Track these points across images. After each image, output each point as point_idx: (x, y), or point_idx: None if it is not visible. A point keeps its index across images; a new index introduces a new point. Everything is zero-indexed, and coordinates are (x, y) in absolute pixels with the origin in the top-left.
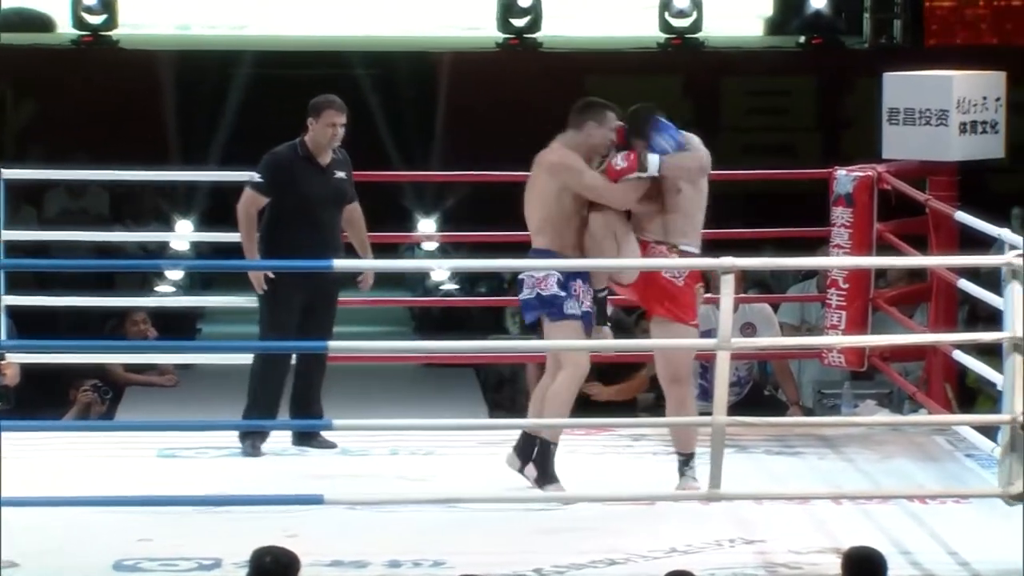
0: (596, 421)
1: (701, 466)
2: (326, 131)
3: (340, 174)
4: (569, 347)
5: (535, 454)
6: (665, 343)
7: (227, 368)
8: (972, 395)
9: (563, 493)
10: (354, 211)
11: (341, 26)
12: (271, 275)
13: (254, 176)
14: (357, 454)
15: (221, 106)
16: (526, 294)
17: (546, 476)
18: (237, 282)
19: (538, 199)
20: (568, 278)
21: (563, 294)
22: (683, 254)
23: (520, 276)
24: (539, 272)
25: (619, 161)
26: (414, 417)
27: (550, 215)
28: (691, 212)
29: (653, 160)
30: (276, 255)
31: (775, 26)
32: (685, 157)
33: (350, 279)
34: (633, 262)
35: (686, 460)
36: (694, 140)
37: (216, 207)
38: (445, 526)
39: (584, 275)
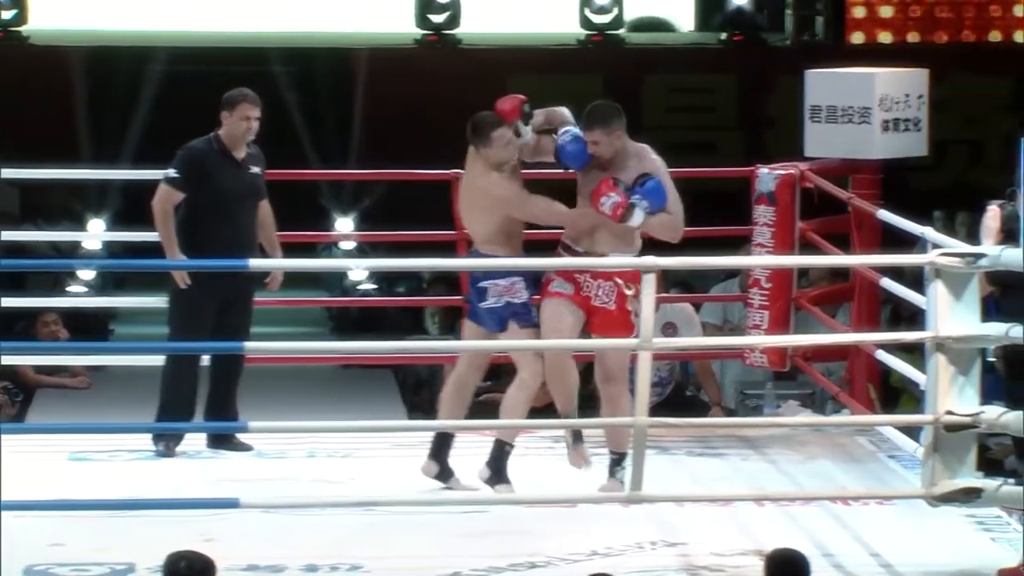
0: (525, 423)
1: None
2: (240, 124)
3: (255, 169)
4: (476, 347)
5: (490, 456)
6: (590, 343)
7: (140, 370)
8: (896, 395)
9: (481, 495)
10: (264, 208)
11: (258, 22)
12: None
13: (169, 171)
14: (273, 457)
15: (134, 103)
16: (492, 303)
17: (499, 476)
18: (150, 282)
19: (481, 216)
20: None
21: (528, 301)
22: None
23: (480, 284)
24: (501, 280)
25: (606, 206)
26: (331, 419)
27: (498, 229)
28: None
29: (638, 217)
30: (193, 252)
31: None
32: (665, 221)
33: (263, 278)
34: (552, 262)
35: (618, 460)
36: (648, 153)
37: (129, 206)
38: (363, 530)
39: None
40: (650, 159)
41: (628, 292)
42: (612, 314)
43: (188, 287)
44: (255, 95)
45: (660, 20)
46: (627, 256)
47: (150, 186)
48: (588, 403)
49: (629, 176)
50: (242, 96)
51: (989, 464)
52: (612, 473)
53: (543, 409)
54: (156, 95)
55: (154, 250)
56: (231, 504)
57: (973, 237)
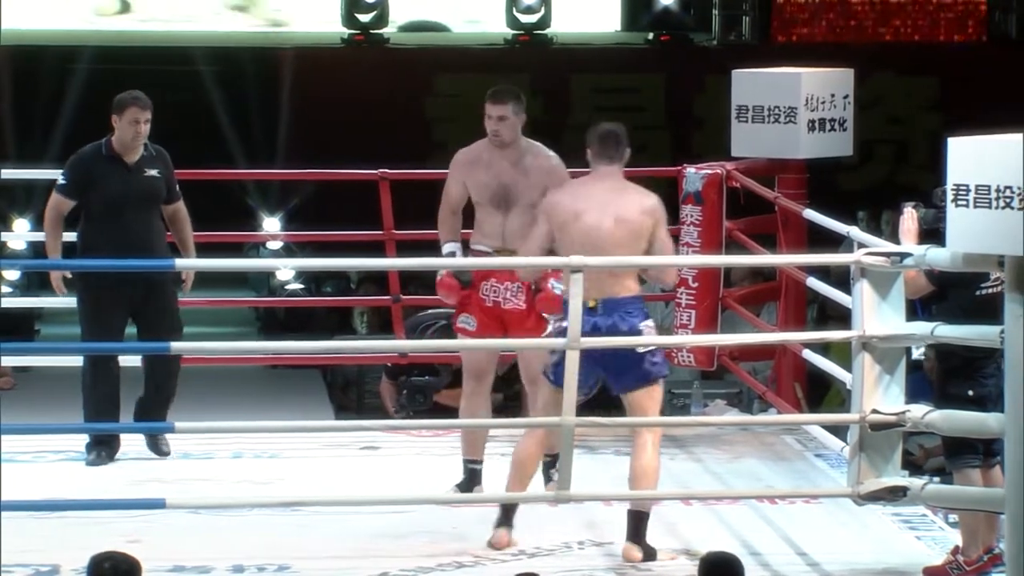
0: (446, 422)
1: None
2: (128, 129)
3: (151, 172)
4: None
5: (630, 528)
6: (519, 343)
7: (65, 370)
8: (825, 389)
9: (410, 496)
10: (177, 210)
11: (184, 21)
12: (68, 275)
13: (58, 179)
14: (200, 457)
15: (59, 103)
16: (651, 350)
17: (647, 546)
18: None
19: (635, 245)
20: None
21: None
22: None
23: (635, 323)
24: (648, 319)
25: (559, 285)
26: (258, 419)
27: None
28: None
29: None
30: (84, 256)
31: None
32: None
33: (177, 279)
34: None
35: (552, 462)
36: (543, 149)
37: None
38: (291, 530)
39: None
40: (545, 155)
41: (554, 286)
42: (524, 312)
43: (96, 291)
44: (146, 98)
45: (433, 23)
46: None
47: None
48: (504, 405)
49: (530, 175)
50: (132, 99)
51: (909, 468)
52: (548, 477)
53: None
54: (81, 94)
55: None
56: (157, 505)
57: (896, 237)
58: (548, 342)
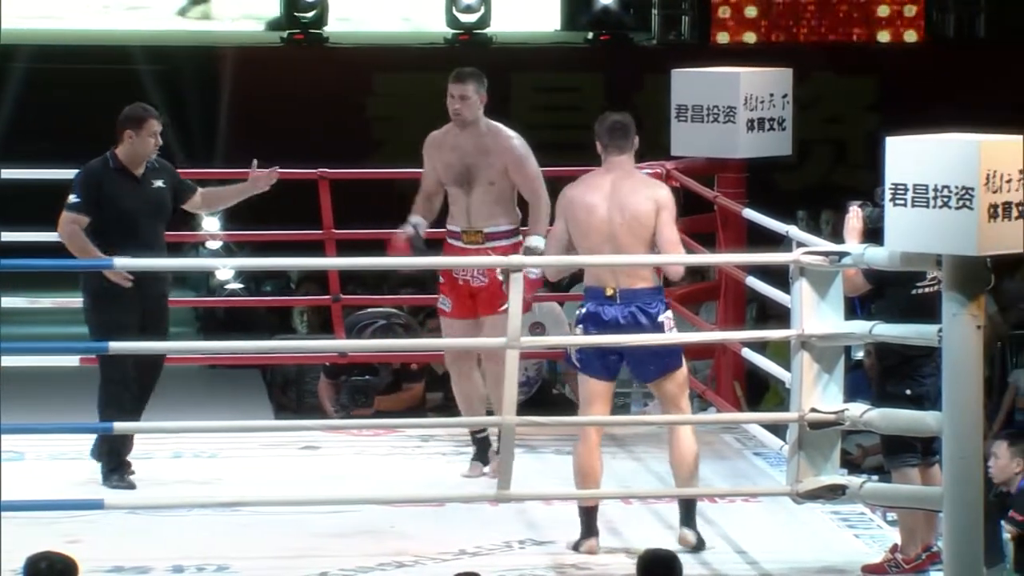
0: (386, 421)
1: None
2: (149, 142)
3: (157, 183)
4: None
5: (684, 515)
6: (465, 342)
7: (15, 371)
8: (764, 388)
9: (349, 495)
10: (203, 195)
11: (122, 20)
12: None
13: (70, 197)
14: (139, 458)
15: None
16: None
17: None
18: (29, 283)
19: (646, 236)
20: None
21: None
22: (489, 236)
23: (662, 319)
24: (668, 310)
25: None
26: (198, 419)
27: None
28: (503, 199)
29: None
30: (102, 275)
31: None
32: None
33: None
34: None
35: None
36: (504, 130)
37: None
38: (230, 530)
39: None
40: (505, 135)
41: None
42: (488, 289)
43: (110, 298)
44: (155, 109)
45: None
46: (506, 227)
47: (13, 185)
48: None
49: (491, 154)
50: (147, 112)
51: (848, 467)
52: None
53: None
54: (19, 93)
55: (28, 250)
56: (95, 506)
57: (838, 236)
58: (495, 342)
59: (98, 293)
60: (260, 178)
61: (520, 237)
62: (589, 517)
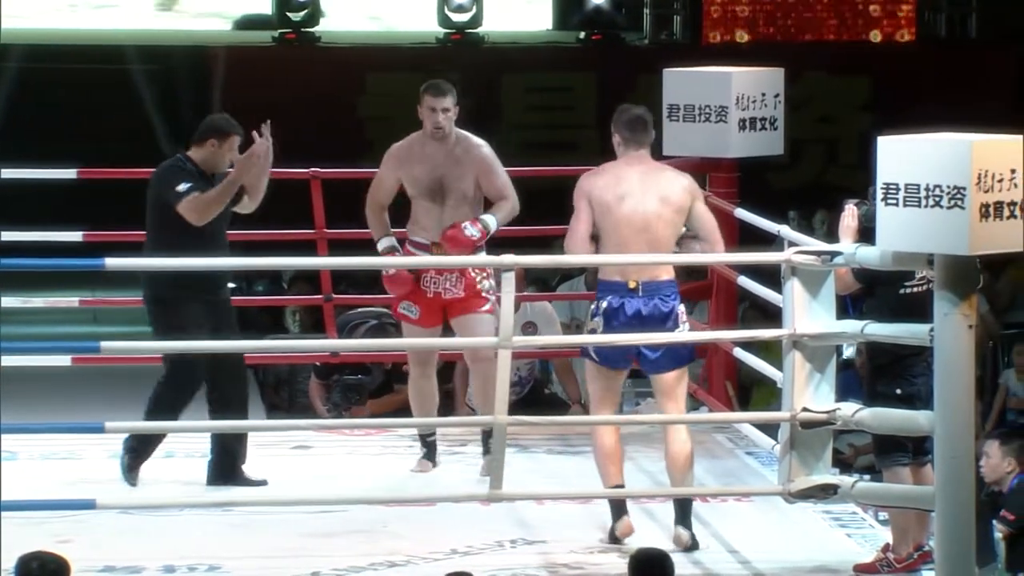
0: (378, 421)
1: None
2: (227, 157)
3: None
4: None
5: (679, 514)
6: (456, 342)
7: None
8: (749, 386)
9: (341, 495)
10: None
11: (115, 19)
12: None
13: (181, 185)
14: None
15: None
16: (683, 329)
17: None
18: (7, 282)
19: (673, 226)
20: None
21: None
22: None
23: (669, 305)
24: (680, 306)
25: (474, 232)
26: (190, 419)
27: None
28: (475, 211)
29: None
30: (179, 273)
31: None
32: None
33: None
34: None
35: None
36: (472, 138)
37: None
38: (222, 530)
39: None
40: (476, 144)
41: (478, 275)
42: (465, 298)
43: (176, 300)
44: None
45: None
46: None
47: (5, 185)
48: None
49: (463, 164)
50: (233, 128)
51: (839, 467)
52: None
53: (403, 409)
54: (11, 93)
55: (21, 250)
56: (87, 505)
57: (832, 235)
58: (477, 341)
59: (162, 295)
60: (257, 151)
61: (483, 250)
62: (615, 500)
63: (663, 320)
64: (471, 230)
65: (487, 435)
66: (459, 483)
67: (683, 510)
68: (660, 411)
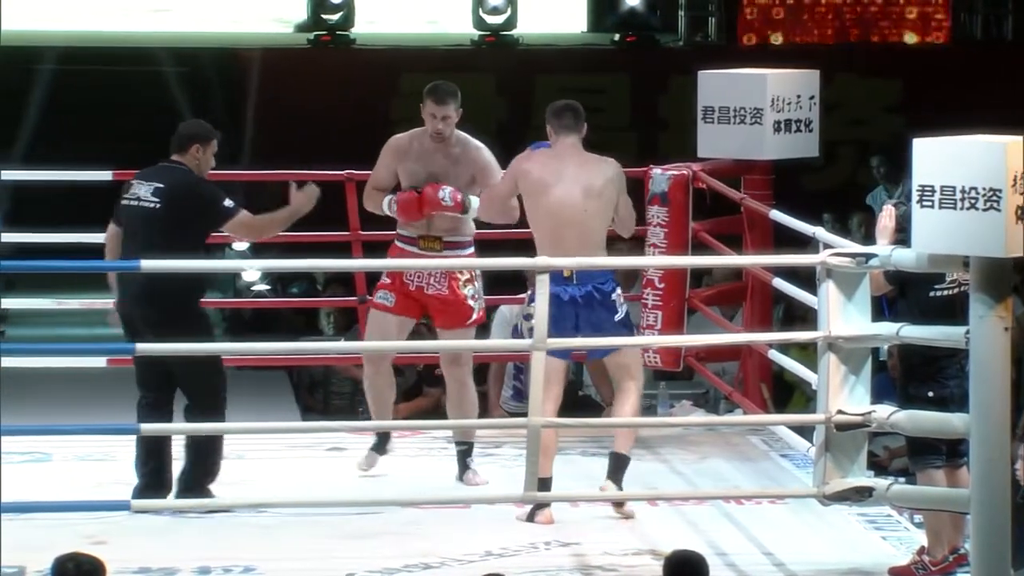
0: (412, 423)
1: (517, 468)
2: (211, 160)
3: None
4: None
5: (611, 469)
6: (481, 344)
7: (29, 372)
8: (789, 391)
9: (375, 497)
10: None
11: (148, 22)
12: None
13: (227, 201)
14: None
15: (24, 103)
16: (622, 313)
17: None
18: (41, 284)
19: (607, 211)
20: None
21: None
22: (447, 245)
23: (610, 295)
24: (619, 287)
25: (446, 199)
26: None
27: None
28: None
29: (474, 202)
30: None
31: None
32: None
33: None
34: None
35: (467, 450)
36: (471, 140)
37: (19, 207)
38: (256, 531)
39: None
40: (473, 145)
41: (462, 277)
42: (448, 299)
43: (201, 312)
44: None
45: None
46: (465, 238)
47: (40, 186)
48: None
49: (459, 164)
50: (212, 132)
51: (874, 469)
52: (466, 466)
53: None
54: (46, 95)
55: (45, 251)
56: (122, 507)
57: (870, 238)
58: (512, 343)
59: (186, 304)
60: (299, 198)
61: (473, 248)
62: (545, 487)
63: (602, 304)
64: (446, 196)
65: (463, 453)
66: (493, 485)
67: (617, 466)
68: (618, 387)
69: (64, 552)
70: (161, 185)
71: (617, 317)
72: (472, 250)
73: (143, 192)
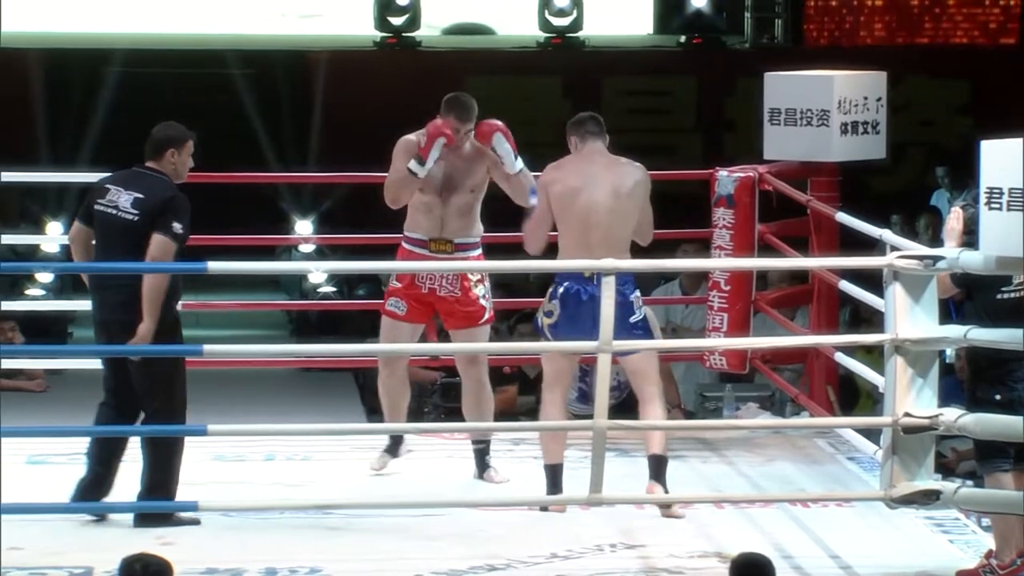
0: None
1: (583, 469)
2: (188, 162)
3: None
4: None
5: (654, 471)
6: (542, 346)
7: (98, 373)
8: (856, 395)
9: (440, 498)
10: None
11: (216, 24)
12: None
13: (176, 226)
14: (232, 460)
15: (91, 106)
16: (639, 316)
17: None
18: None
19: (634, 215)
20: None
21: None
22: (458, 247)
23: (632, 299)
24: (637, 291)
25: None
26: (291, 422)
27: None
28: (477, 209)
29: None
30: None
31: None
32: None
33: None
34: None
35: (484, 449)
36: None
37: None
38: (322, 532)
39: None
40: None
41: (473, 278)
42: (460, 300)
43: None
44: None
45: (478, 25)
46: (475, 239)
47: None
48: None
49: (472, 161)
50: (186, 133)
51: (942, 471)
52: (485, 464)
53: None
54: (113, 97)
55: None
56: (190, 507)
57: (937, 240)
58: (578, 345)
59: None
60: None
61: (481, 250)
62: (555, 474)
63: (620, 304)
64: (502, 146)
65: (481, 451)
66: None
67: (658, 467)
68: (640, 394)
69: (131, 553)
70: (140, 196)
71: (633, 318)
72: (480, 251)
73: (122, 201)
